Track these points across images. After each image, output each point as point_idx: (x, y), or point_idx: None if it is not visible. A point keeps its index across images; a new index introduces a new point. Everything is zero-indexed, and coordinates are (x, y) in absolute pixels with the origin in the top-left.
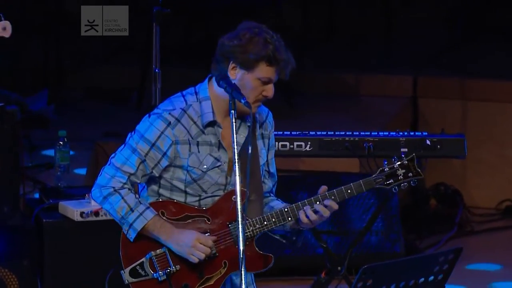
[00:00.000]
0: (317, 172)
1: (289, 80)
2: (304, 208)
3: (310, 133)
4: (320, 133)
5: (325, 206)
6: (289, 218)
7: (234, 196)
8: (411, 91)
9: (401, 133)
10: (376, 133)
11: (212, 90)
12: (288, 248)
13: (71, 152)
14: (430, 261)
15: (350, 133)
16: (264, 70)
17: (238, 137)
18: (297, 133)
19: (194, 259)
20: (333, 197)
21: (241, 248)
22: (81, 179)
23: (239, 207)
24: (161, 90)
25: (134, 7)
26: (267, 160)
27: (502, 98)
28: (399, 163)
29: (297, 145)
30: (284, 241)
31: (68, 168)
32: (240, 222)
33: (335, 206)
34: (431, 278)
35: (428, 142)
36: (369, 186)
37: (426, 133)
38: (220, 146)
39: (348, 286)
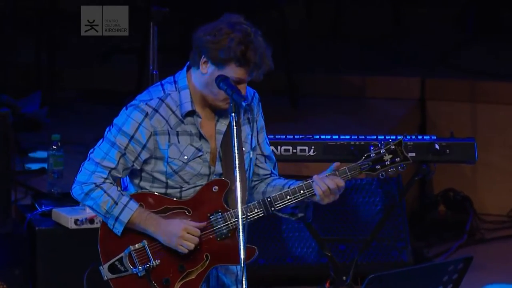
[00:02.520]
0: None
1: (293, 81)
2: (317, 180)
3: (314, 136)
4: (324, 137)
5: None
6: (272, 208)
7: (214, 187)
8: (419, 93)
9: (408, 137)
10: (382, 137)
11: (190, 79)
12: (297, 221)
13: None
14: (439, 270)
15: (356, 137)
16: (234, 70)
17: (220, 125)
18: (301, 137)
19: (183, 250)
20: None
21: (242, 256)
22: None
23: (240, 213)
24: None
25: (130, 6)
26: (258, 144)
27: None
28: (385, 148)
29: (300, 149)
30: (293, 218)
31: (61, 174)
32: (241, 230)
33: (340, 182)
34: None
35: (437, 146)
36: (354, 173)
37: (435, 137)
38: (200, 136)
39: None
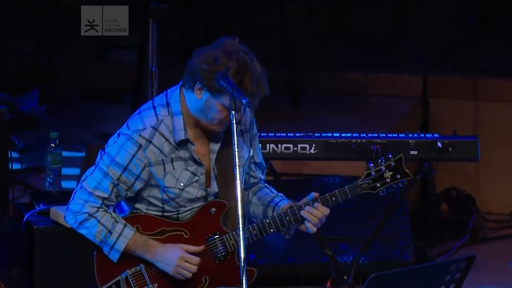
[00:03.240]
0: (322, 176)
1: (293, 79)
2: (305, 214)
3: (315, 134)
4: (325, 134)
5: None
6: (271, 230)
7: (212, 209)
8: (421, 91)
9: (410, 135)
10: (384, 135)
11: (183, 102)
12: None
13: (64, 154)
14: (441, 269)
15: (357, 134)
16: (228, 100)
17: (213, 144)
18: (301, 134)
19: (181, 277)
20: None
21: (242, 256)
22: (74, 183)
23: (240, 213)
24: (158, 90)
25: (129, 3)
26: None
27: None
28: (385, 165)
29: (301, 147)
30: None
31: (60, 172)
32: (241, 233)
33: (326, 211)
34: (442, 287)
35: (439, 144)
36: (354, 192)
37: (437, 135)
38: (195, 160)
39: None
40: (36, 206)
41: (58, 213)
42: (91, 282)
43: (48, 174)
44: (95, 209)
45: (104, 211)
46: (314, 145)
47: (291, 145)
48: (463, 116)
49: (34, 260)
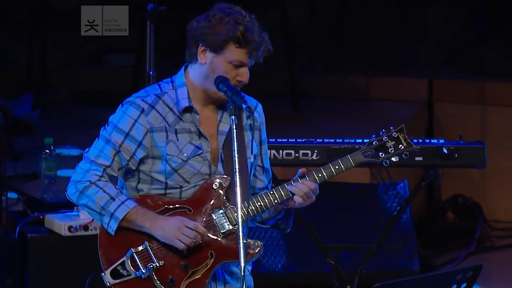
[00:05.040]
0: (324, 183)
1: (294, 82)
2: (292, 189)
3: (317, 140)
4: (327, 140)
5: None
6: (275, 201)
7: (215, 184)
8: (426, 95)
9: (415, 141)
10: None
11: (188, 77)
12: (279, 232)
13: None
14: (447, 279)
15: (360, 140)
16: (234, 52)
17: (222, 125)
18: (303, 140)
19: (180, 245)
20: (320, 175)
21: (242, 265)
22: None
23: (239, 219)
24: None
25: (127, 4)
26: (260, 155)
27: None
28: (388, 134)
29: (303, 153)
30: (275, 229)
31: (54, 179)
32: (240, 230)
33: (312, 186)
34: None
35: (444, 150)
36: (357, 160)
37: (443, 141)
38: (200, 134)
39: None
40: (30, 214)
41: (53, 221)
42: (92, 272)
43: (43, 181)
44: (97, 177)
45: (106, 181)
46: (316, 151)
47: (292, 151)
48: (470, 121)
49: (28, 270)
